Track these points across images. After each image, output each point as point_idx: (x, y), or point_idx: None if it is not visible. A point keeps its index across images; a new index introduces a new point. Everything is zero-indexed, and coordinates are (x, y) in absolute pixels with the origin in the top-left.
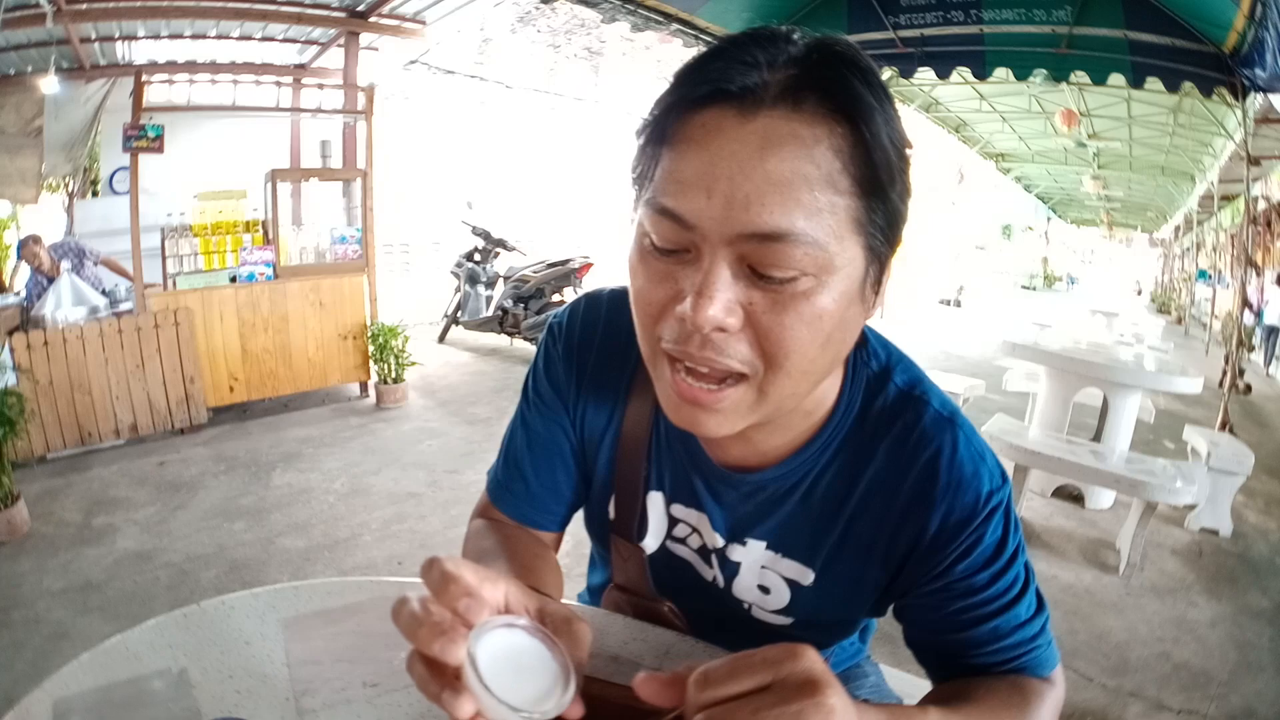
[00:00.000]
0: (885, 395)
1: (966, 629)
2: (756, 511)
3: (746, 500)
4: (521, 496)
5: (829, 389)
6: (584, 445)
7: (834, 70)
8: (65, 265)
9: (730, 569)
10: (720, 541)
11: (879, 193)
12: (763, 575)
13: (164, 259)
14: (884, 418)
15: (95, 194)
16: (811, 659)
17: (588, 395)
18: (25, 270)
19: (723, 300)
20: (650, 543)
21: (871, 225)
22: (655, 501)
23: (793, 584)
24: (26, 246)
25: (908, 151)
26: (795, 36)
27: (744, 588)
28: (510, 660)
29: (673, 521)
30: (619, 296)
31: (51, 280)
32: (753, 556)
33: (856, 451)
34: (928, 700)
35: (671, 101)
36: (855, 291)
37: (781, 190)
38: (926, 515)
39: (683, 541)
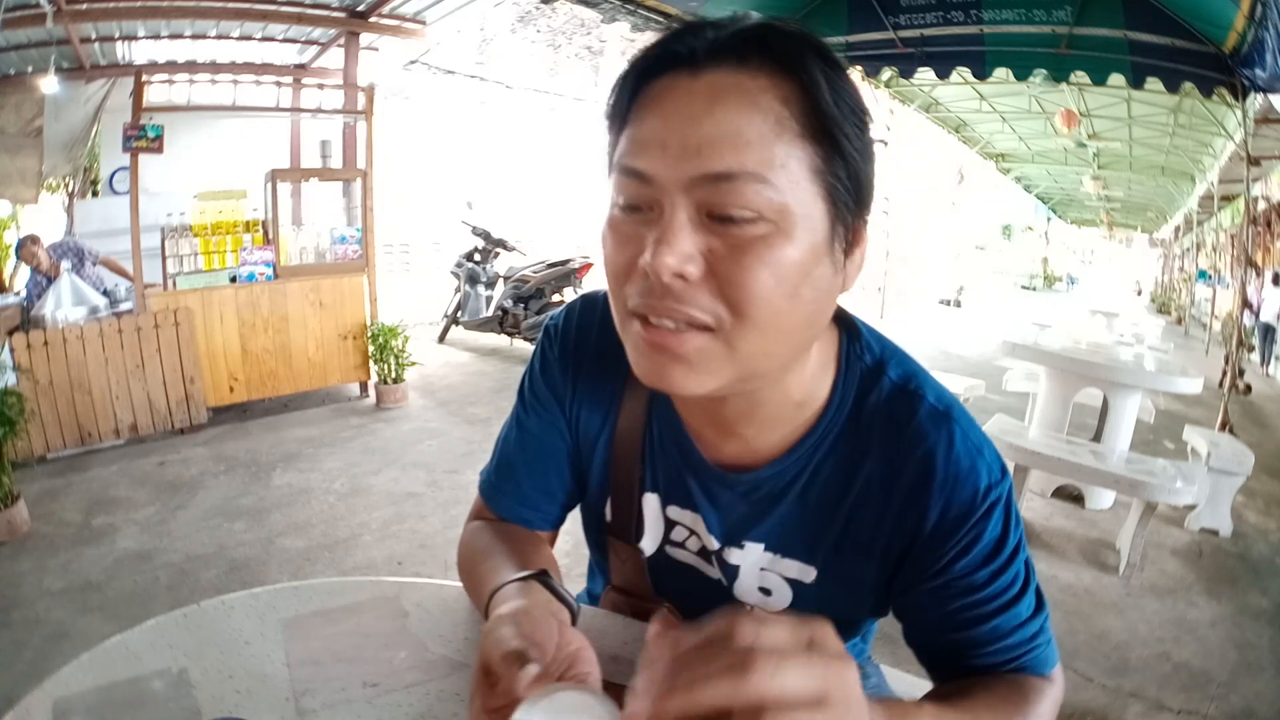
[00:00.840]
0: (880, 389)
1: (966, 628)
2: (752, 512)
3: (742, 500)
4: (514, 496)
5: (821, 383)
6: (579, 447)
7: (777, 33)
8: (65, 265)
9: (730, 572)
10: (716, 544)
11: (831, 141)
12: (763, 577)
13: (164, 259)
14: (879, 412)
15: (95, 194)
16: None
17: (583, 397)
18: (25, 270)
19: (681, 247)
20: (647, 544)
21: (831, 175)
22: (651, 503)
23: (795, 583)
24: (24, 247)
25: (858, 94)
26: (728, 19)
27: (745, 590)
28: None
29: (669, 524)
30: None
31: (51, 280)
32: (751, 559)
33: (852, 447)
34: (926, 698)
35: (630, 78)
36: (822, 246)
37: (730, 135)
38: (924, 511)
39: (681, 545)
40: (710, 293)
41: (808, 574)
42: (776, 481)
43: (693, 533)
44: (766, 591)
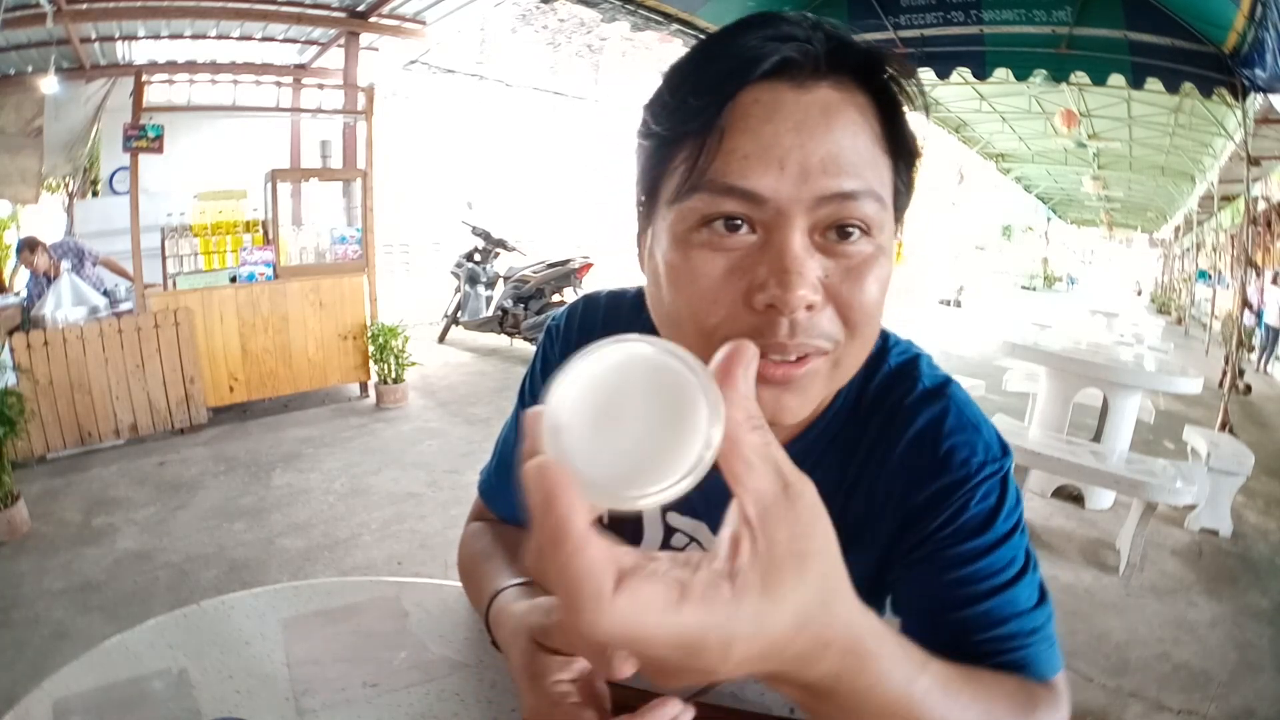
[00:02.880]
0: (879, 375)
1: (959, 608)
2: None
3: None
4: (513, 497)
5: None
6: None
7: (868, 52)
8: (65, 265)
9: None
10: None
11: (908, 165)
12: None
13: (164, 259)
14: (876, 398)
15: (95, 194)
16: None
17: None
18: (25, 270)
19: (810, 276)
20: (647, 550)
21: (899, 195)
22: (650, 509)
23: None
24: (23, 253)
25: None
26: (802, 19)
27: None
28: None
29: (669, 531)
30: (617, 299)
31: (51, 280)
32: None
33: (848, 434)
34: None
35: (713, 84)
36: (891, 253)
37: (849, 153)
38: (914, 488)
39: (682, 551)
40: (831, 316)
41: None
42: None
43: (693, 540)
44: None
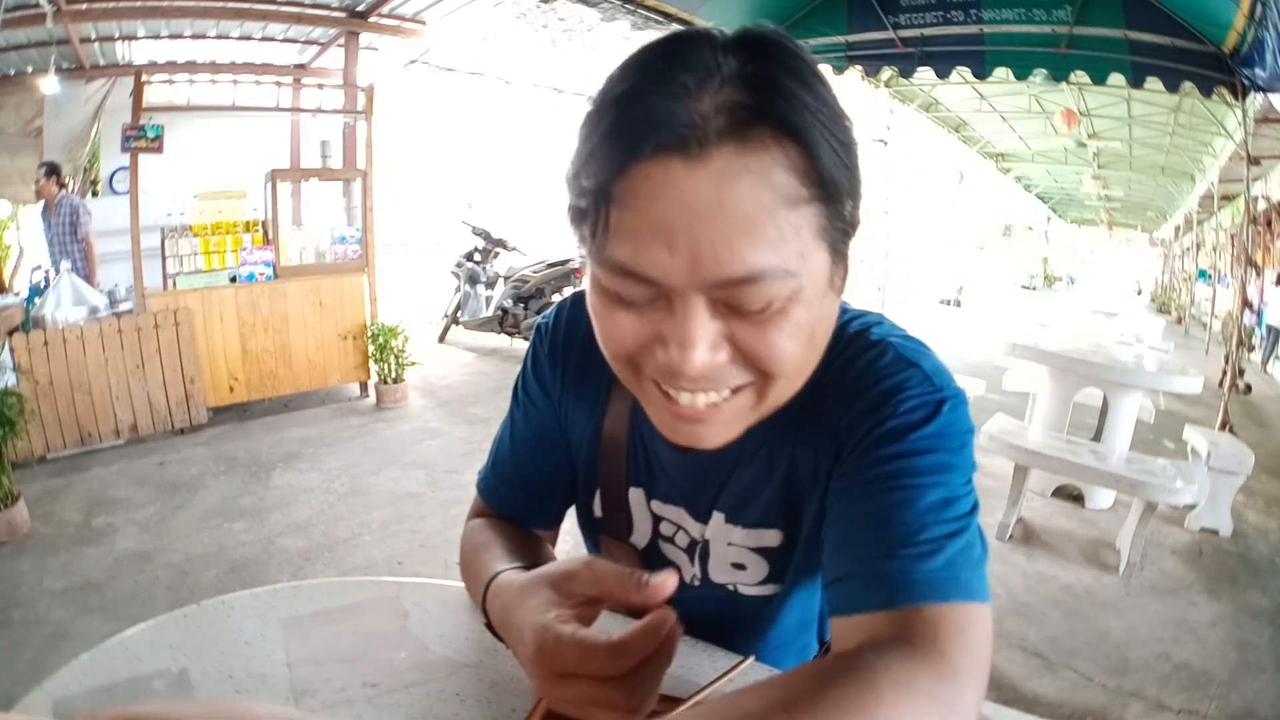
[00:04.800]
0: (835, 344)
1: (857, 506)
2: (711, 479)
3: (702, 469)
4: (510, 494)
5: None
6: (570, 443)
7: (773, 87)
8: (61, 220)
9: (704, 553)
10: (701, 530)
11: (836, 197)
12: (732, 553)
13: (164, 259)
14: (826, 360)
15: (95, 194)
16: None
17: (571, 394)
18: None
19: (705, 344)
20: (638, 539)
21: (833, 229)
22: (636, 498)
23: (765, 552)
24: (43, 179)
25: (850, 129)
26: (720, 42)
27: (719, 569)
28: None
29: (656, 519)
30: None
31: (47, 209)
32: (719, 533)
33: (797, 400)
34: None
35: (600, 158)
36: (824, 288)
37: (744, 230)
38: (846, 414)
39: (671, 540)
40: (739, 365)
41: (773, 537)
42: (729, 447)
43: (679, 527)
44: (740, 566)
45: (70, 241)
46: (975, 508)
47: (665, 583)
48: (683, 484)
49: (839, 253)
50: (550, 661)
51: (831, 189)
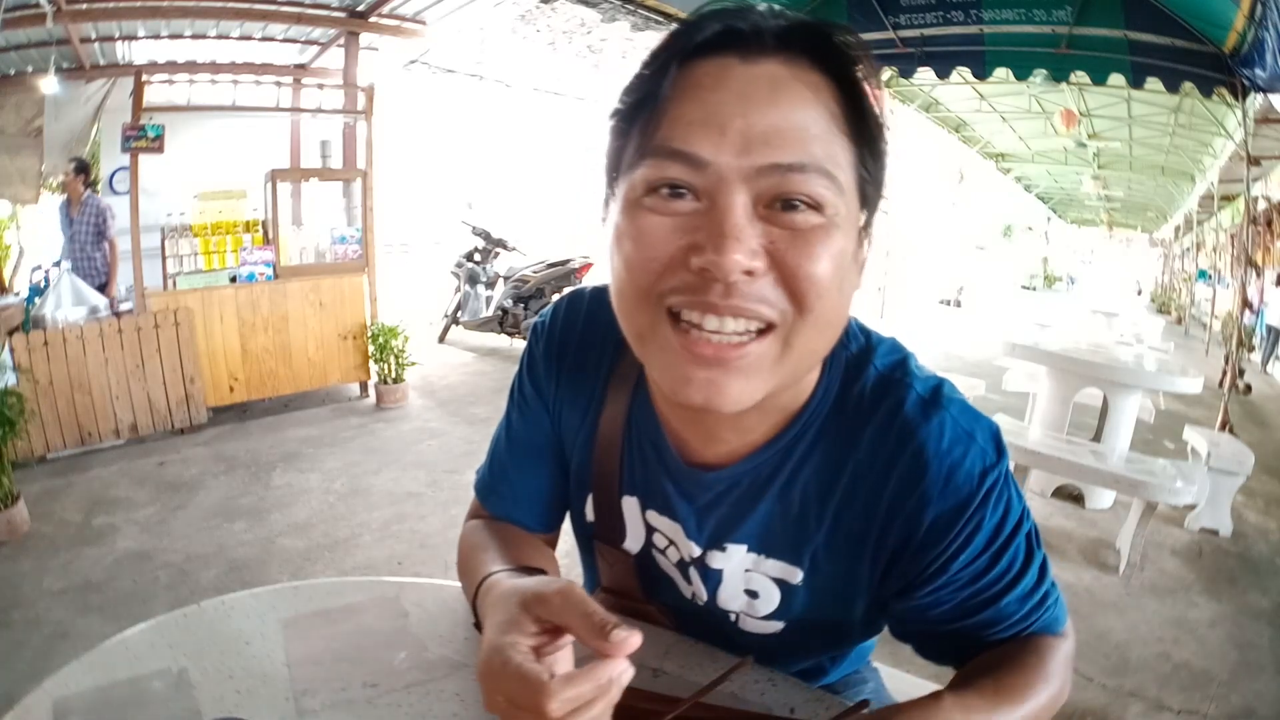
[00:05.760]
0: (865, 379)
1: (973, 614)
2: (733, 513)
3: (721, 501)
4: (507, 497)
5: (808, 375)
6: (564, 445)
7: (827, 34)
8: (86, 220)
9: (713, 578)
10: (697, 550)
11: (870, 143)
12: (748, 579)
13: (164, 259)
14: (865, 403)
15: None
16: None
17: (566, 395)
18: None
19: (748, 239)
20: (631, 546)
21: (866, 173)
22: (630, 506)
23: (781, 584)
24: (72, 175)
25: (885, 127)
26: (767, 5)
27: (730, 596)
28: None
29: (650, 529)
30: (600, 295)
31: (69, 206)
32: (735, 562)
33: (837, 440)
34: (947, 687)
35: (665, 58)
36: (855, 241)
37: (795, 127)
38: (919, 510)
39: (663, 552)
40: (774, 284)
41: (794, 575)
42: (755, 476)
43: (671, 543)
44: (753, 594)
45: (92, 244)
46: (1033, 528)
47: (628, 640)
48: (689, 505)
49: (867, 206)
50: (493, 683)
51: (867, 135)
